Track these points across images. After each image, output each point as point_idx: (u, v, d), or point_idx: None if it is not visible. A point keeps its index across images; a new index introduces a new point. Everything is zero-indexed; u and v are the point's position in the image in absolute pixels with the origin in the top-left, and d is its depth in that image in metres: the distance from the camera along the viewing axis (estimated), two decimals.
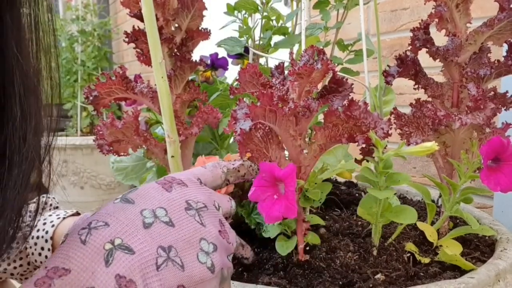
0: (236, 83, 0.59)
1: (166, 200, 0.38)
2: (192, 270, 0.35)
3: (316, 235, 0.59)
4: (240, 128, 0.49)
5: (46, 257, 0.55)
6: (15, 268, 0.56)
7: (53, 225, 0.57)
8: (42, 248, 0.56)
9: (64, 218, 0.58)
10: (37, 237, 0.56)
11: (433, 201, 0.64)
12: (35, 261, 0.56)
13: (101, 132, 0.68)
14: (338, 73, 0.56)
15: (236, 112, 0.50)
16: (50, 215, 0.59)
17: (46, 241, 0.56)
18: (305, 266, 0.55)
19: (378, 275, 0.53)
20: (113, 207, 0.36)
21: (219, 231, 0.40)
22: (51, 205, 0.62)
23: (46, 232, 0.56)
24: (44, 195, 0.61)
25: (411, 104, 0.64)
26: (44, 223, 0.57)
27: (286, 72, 0.57)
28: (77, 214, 0.60)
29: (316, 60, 0.52)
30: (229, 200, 0.46)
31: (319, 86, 0.57)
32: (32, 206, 0.57)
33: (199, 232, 0.37)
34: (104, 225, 0.34)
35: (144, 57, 0.72)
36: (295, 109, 0.51)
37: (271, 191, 0.51)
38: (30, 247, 0.56)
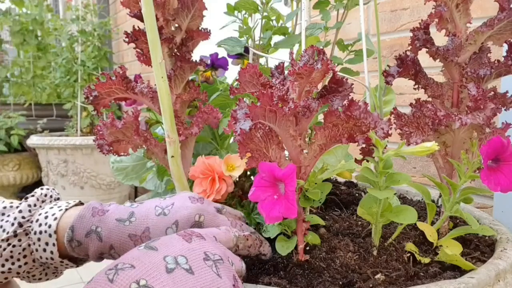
0: (236, 83, 0.59)
1: (187, 249, 0.41)
2: None
3: (316, 235, 0.59)
4: (240, 128, 0.49)
5: (51, 252, 0.53)
6: (20, 267, 0.53)
7: (55, 218, 0.54)
8: (47, 244, 0.53)
9: (66, 209, 0.55)
10: (40, 232, 0.53)
11: (433, 201, 0.64)
12: (40, 257, 0.54)
13: (101, 132, 0.68)
14: (338, 73, 0.56)
15: (236, 112, 0.50)
16: (52, 208, 0.55)
17: (50, 235, 0.53)
18: (305, 266, 0.55)
19: (378, 275, 0.53)
20: (138, 253, 0.39)
21: (233, 285, 0.41)
22: (51, 196, 0.59)
23: (49, 226, 0.53)
24: (43, 187, 0.60)
25: (411, 104, 0.64)
26: (46, 217, 0.54)
27: (286, 72, 0.57)
28: (80, 204, 0.59)
29: (316, 60, 0.52)
30: (241, 260, 0.49)
31: (319, 86, 0.57)
32: (31, 200, 0.55)
33: (216, 283, 0.39)
34: (130, 267, 0.36)
35: (144, 57, 0.72)
36: (295, 109, 0.51)
37: (271, 191, 0.51)
38: (34, 244, 0.53)
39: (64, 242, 0.53)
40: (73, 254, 0.54)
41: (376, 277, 0.53)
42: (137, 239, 0.53)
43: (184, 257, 0.39)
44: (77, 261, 0.57)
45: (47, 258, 0.53)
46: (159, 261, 0.38)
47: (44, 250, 0.53)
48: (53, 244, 0.53)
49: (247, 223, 0.60)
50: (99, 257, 0.55)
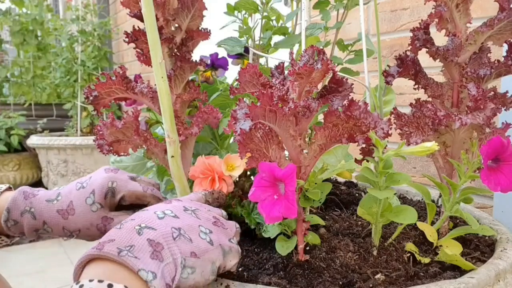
0: (236, 83, 0.59)
1: (170, 206, 0.51)
2: (198, 243, 0.48)
3: (316, 235, 0.59)
4: (240, 128, 0.49)
5: None
6: None
7: None
8: None
9: None
10: None
11: (433, 201, 0.64)
12: None
13: (101, 132, 0.68)
14: (338, 73, 0.56)
15: (236, 112, 0.50)
16: None
17: None
18: (305, 266, 0.55)
19: (378, 275, 0.53)
20: (134, 214, 0.49)
21: (213, 222, 0.52)
22: None
23: None
24: None
25: (411, 104, 0.64)
26: None
27: (286, 72, 0.57)
28: (9, 189, 0.67)
29: (316, 60, 0.52)
30: (220, 210, 0.58)
31: (320, 86, 0.57)
32: None
33: (197, 222, 0.50)
34: (131, 220, 0.47)
35: (144, 57, 0.72)
36: (295, 109, 0.51)
37: (271, 191, 0.51)
38: None
39: (0, 222, 0.63)
40: (8, 233, 0.64)
41: (376, 277, 0.53)
42: (63, 212, 0.64)
43: (170, 210, 0.50)
44: (10, 237, 0.67)
45: None
46: (152, 214, 0.48)
47: None
48: None
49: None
50: (34, 233, 0.64)
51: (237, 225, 0.56)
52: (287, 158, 0.55)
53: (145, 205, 0.69)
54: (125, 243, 0.43)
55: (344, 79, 0.56)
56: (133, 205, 0.69)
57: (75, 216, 0.64)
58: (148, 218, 0.47)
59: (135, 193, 0.68)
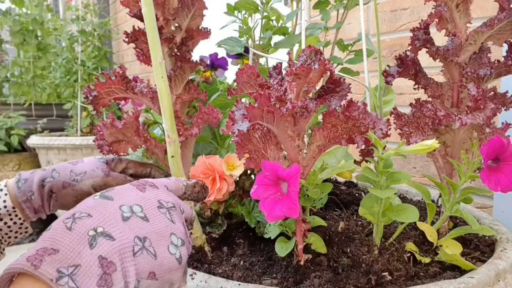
0: (235, 84, 0.59)
1: (141, 198, 0.43)
2: (162, 260, 0.40)
3: (319, 238, 0.59)
4: (238, 129, 0.49)
5: (4, 201, 0.63)
6: None
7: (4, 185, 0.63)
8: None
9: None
10: None
11: (433, 201, 0.64)
12: None
13: (101, 133, 0.68)
14: (338, 73, 0.56)
15: (234, 113, 0.50)
16: None
17: (1, 190, 0.63)
18: (305, 266, 0.55)
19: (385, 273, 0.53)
20: (93, 202, 0.40)
21: (186, 227, 0.45)
22: None
23: (1, 190, 0.63)
24: None
25: (411, 104, 0.64)
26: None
27: (284, 72, 0.57)
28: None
29: (314, 61, 0.52)
30: (191, 208, 0.50)
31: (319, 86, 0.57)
32: None
33: (170, 228, 0.42)
34: (87, 216, 0.38)
35: (144, 57, 0.72)
36: (293, 110, 0.50)
37: (273, 190, 0.51)
38: None
39: (13, 189, 0.64)
40: (18, 194, 0.64)
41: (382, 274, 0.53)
42: (73, 162, 0.69)
43: (139, 205, 0.42)
44: (24, 215, 0.65)
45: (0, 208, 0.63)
46: (115, 210, 0.40)
47: None
48: (5, 194, 0.63)
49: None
50: (41, 183, 0.65)
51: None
52: (285, 158, 0.55)
53: (148, 176, 0.74)
54: (69, 261, 0.35)
55: (341, 79, 0.56)
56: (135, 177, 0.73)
57: (83, 162, 0.70)
58: (109, 217, 0.39)
59: (139, 162, 0.74)
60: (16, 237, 0.66)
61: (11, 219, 0.64)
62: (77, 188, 0.67)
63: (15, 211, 0.64)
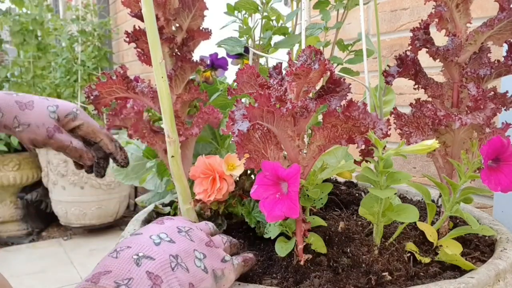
0: (234, 84, 0.59)
1: (163, 228, 0.50)
2: (194, 272, 0.47)
3: (319, 238, 0.59)
4: (238, 130, 0.49)
5: None
6: None
7: None
8: None
9: None
10: None
11: (433, 201, 0.64)
12: None
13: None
14: (338, 73, 0.56)
15: (234, 113, 0.50)
16: None
17: None
18: (305, 266, 0.55)
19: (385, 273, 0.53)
20: (128, 239, 0.48)
21: (206, 243, 0.51)
22: None
23: None
24: None
25: (411, 104, 0.64)
26: None
27: (284, 72, 0.57)
28: None
29: (314, 60, 0.52)
30: (206, 223, 0.58)
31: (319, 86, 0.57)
32: None
33: (191, 246, 0.49)
34: (127, 247, 0.45)
35: (145, 57, 0.72)
36: (293, 110, 0.51)
37: (273, 190, 0.51)
38: None
39: None
40: None
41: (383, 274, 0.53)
42: (22, 104, 0.67)
43: (164, 233, 0.49)
44: None
45: None
46: (147, 240, 0.47)
47: None
48: None
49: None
50: None
51: (224, 237, 0.56)
52: (285, 158, 0.55)
53: (96, 143, 0.78)
54: (123, 275, 0.41)
55: (341, 79, 0.56)
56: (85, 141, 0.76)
57: (32, 112, 0.68)
58: (145, 245, 0.46)
59: (92, 126, 0.76)
60: None
61: None
62: (17, 135, 0.68)
63: None
